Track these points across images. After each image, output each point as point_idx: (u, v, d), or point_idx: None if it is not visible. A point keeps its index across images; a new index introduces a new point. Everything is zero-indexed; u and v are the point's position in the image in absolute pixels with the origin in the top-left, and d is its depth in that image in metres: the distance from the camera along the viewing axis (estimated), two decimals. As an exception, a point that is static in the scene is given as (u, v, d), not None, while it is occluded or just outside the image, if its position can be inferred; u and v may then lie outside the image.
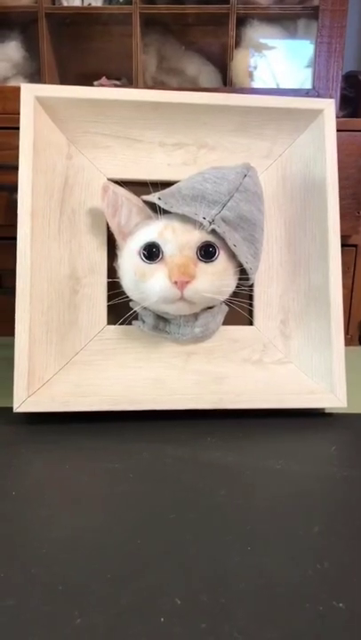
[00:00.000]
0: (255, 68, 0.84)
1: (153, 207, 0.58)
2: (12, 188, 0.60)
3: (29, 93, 0.59)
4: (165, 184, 0.61)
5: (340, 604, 0.34)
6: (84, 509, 0.43)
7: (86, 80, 0.91)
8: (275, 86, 0.86)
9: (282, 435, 0.56)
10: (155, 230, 0.56)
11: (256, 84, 0.85)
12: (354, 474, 0.49)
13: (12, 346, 0.56)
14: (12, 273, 0.57)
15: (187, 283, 0.53)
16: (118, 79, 0.91)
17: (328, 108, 0.62)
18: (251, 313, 0.63)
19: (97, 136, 0.62)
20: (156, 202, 0.57)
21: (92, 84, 0.90)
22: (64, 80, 0.91)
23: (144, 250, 0.56)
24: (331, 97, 0.80)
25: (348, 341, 0.86)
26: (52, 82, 0.87)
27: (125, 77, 0.90)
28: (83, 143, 0.62)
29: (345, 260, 0.83)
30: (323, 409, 0.61)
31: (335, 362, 0.59)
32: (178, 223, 0.56)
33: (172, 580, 0.36)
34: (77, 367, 0.59)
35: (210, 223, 0.55)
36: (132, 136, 0.62)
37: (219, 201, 0.56)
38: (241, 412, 0.59)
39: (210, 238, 0.56)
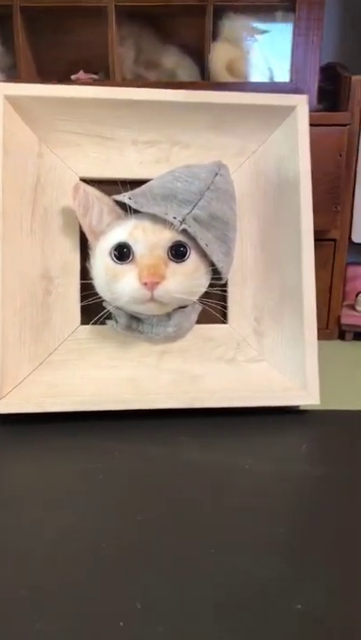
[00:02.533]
0: (233, 60, 0.83)
1: (124, 207, 0.58)
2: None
3: (-2, 92, 0.58)
4: (138, 182, 0.61)
5: (298, 606, 0.35)
6: (52, 511, 0.43)
7: (64, 74, 0.90)
8: (252, 79, 0.85)
9: (254, 433, 0.57)
10: (125, 230, 0.56)
11: (234, 78, 0.84)
12: (321, 472, 0.49)
13: None
14: None
15: (156, 284, 0.53)
16: (96, 73, 0.90)
17: (301, 104, 0.62)
18: (224, 311, 0.64)
19: (68, 134, 0.61)
20: (127, 201, 0.57)
21: (69, 78, 0.89)
22: (41, 74, 0.90)
23: (115, 250, 0.56)
24: (308, 90, 0.80)
25: (328, 335, 0.86)
26: (28, 76, 0.86)
27: (103, 71, 0.89)
28: (54, 142, 0.61)
29: (323, 255, 0.84)
30: (297, 406, 0.61)
31: (308, 360, 0.60)
32: (148, 223, 0.56)
33: (133, 583, 0.36)
34: (51, 367, 0.59)
35: (180, 223, 0.55)
36: (103, 134, 0.62)
37: (190, 200, 0.56)
38: (216, 411, 0.59)
39: (181, 238, 0.56)
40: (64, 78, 0.89)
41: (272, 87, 0.82)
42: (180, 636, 0.32)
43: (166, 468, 0.50)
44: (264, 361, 0.62)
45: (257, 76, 0.86)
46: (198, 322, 0.62)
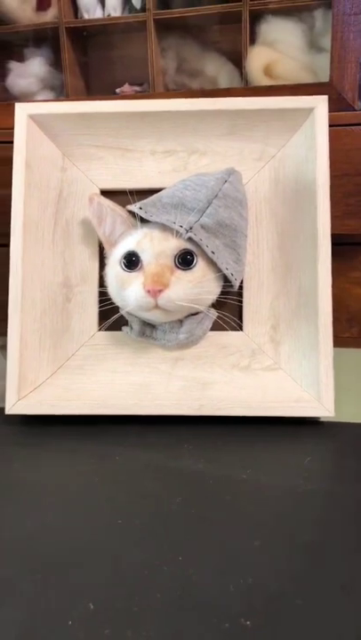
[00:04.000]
0: (270, 63, 0.82)
1: (137, 216, 0.59)
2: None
3: (22, 112, 0.62)
4: (157, 192, 0.62)
5: (248, 622, 0.34)
6: (37, 510, 0.45)
7: (111, 88, 0.93)
8: (291, 82, 0.84)
9: (261, 443, 0.56)
10: (134, 240, 0.58)
11: (272, 81, 0.83)
12: (318, 488, 0.47)
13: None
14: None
15: (160, 291, 0.54)
16: (140, 84, 0.92)
17: (319, 106, 0.60)
18: (240, 321, 0.63)
19: (90, 148, 0.64)
20: (137, 211, 0.58)
21: (114, 92, 0.92)
22: (89, 90, 0.94)
23: (124, 259, 0.57)
24: (348, 88, 0.77)
25: (352, 343, 0.82)
26: (76, 93, 0.90)
27: (147, 82, 0.91)
28: (76, 156, 0.64)
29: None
30: (317, 418, 0.59)
31: (322, 370, 0.57)
32: (157, 232, 0.57)
33: (92, 583, 0.37)
34: (68, 372, 0.62)
35: (187, 231, 0.56)
36: (123, 146, 0.64)
37: (197, 208, 0.57)
38: (226, 419, 0.58)
39: (188, 246, 0.56)
40: (111, 92, 0.93)
41: (311, 88, 0.79)
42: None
43: (161, 475, 0.50)
44: (280, 369, 0.61)
45: (295, 78, 0.84)
46: (213, 329, 0.62)
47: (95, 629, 0.33)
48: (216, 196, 0.57)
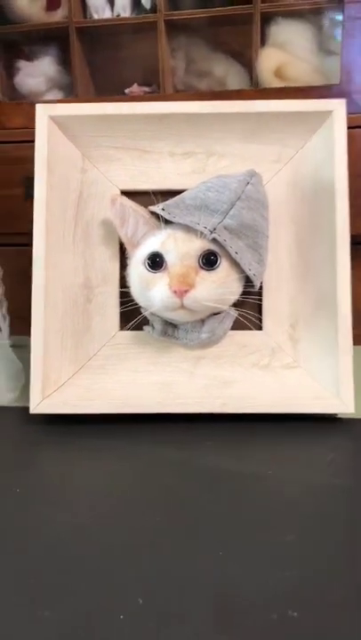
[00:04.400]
0: (281, 65, 0.83)
1: (159, 217, 0.60)
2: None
3: (43, 113, 0.62)
4: (176, 193, 0.63)
5: (295, 614, 0.35)
6: (74, 511, 0.46)
7: (119, 88, 0.94)
8: (302, 83, 0.85)
9: (283, 440, 0.57)
10: (158, 240, 0.58)
11: (283, 82, 0.84)
12: (343, 484, 0.49)
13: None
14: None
15: (186, 291, 0.55)
16: (149, 85, 0.93)
17: (338, 109, 0.61)
18: (260, 318, 0.64)
19: (109, 149, 0.64)
20: (160, 212, 0.59)
21: (123, 92, 0.93)
22: (98, 90, 0.94)
23: (148, 259, 0.58)
24: (358, 91, 0.79)
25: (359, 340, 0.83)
26: (85, 92, 0.91)
27: (155, 83, 0.92)
28: (96, 157, 0.65)
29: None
30: (334, 414, 0.60)
31: (342, 367, 0.59)
32: (181, 233, 0.58)
33: (139, 580, 0.38)
34: (90, 371, 0.62)
35: (211, 232, 0.57)
36: (141, 147, 0.64)
37: (221, 210, 0.57)
38: (248, 417, 0.60)
39: (212, 247, 0.57)
40: (120, 92, 0.93)
41: (321, 90, 0.81)
42: (176, 636, 0.33)
43: (188, 472, 0.51)
44: (299, 367, 0.62)
45: (306, 79, 0.85)
46: (234, 328, 0.63)
47: (147, 623, 0.34)
48: (239, 197, 0.58)
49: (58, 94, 0.92)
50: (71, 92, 0.92)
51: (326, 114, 0.62)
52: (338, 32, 0.79)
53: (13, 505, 0.47)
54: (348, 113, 0.74)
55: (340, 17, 0.79)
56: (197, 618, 0.34)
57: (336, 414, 0.60)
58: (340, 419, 0.60)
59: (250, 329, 0.63)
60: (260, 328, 0.64)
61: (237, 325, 0.63)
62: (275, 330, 0.64)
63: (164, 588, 0.37)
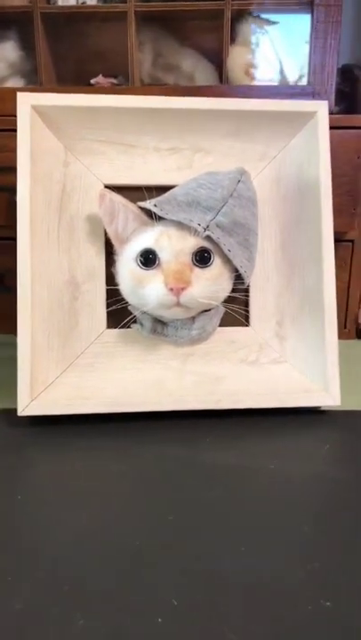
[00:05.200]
0: (250, 64, 0.84)
1: (149, 213, 0.59)
2: (12, 190, 0.61)
3: (26, 102, 0.60)
4: (161, 189, 0.62)
5: (328, 603, 0.36)
6: (87, 511, 0.45)
7: (83, 78, 0.91)
8: (270, 82, 0.86)
9: (277, 434, 0.58)
10: (151, 237, 0.58)
11: (252, 81, 0.85)
12: (343, 473, 0.51)
13: (13, 344, 0.58)
14: (13, 272, 0.59)
15: (182, 289, 0.55)
16: (115, 76, 0.91)
17: (321, 110, 0.63)
18: (247, 314, 0.65)
19: (93, 142, 0.63)
20: (152, 209, 0.58)
21: (88, 82, 0.91)
22: (61, 79, 0.91)
23: (141, 256, 0.57)
24: (326, 92, 0.81)
25: (346, 335, 0.87)
26: (48, 81, 0.87)
27: (122, 75, 0.90)
28: (79, 150, 0.63)
29: (342, 256, 0.85)
30: (318, 407, 0.62)
31: (329, 361, 0.61)
32: (173, 229, 0.58)
33: (168, 581, 0.38)
34: (79, 370, 0.61)
35: (204, 229, 0.57)
36: (127, 142, 0.63)
37: (213, 207, 0.58)
38: (238, 412, 0.60)
39: (205, 244, 0.57)
40: (84, 82, 0.91)
41: (291, 90, 0.82)
42: (217, 634, 0.33)
43: (194, 469, 0.51)
44: (286, 362, 0.64)
45: (275, 78, 0.87)
46: (221, 325, 0.64)
47: (186, 624, 0.34)
48: (231, 195, 0.58)
49: (20, 81, 0.88)
50: (32, 80, 0.88)
51: (310, 114, 0.63)
52: (307, 33, 0.81)
53: (15, 512, 0.45)
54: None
55: (309, 18, 0.80)
56: (235, 614, 0.35)
57: (319, 407, 0.62)
58: (325, 411, 0.62)
59: (238, 325, 0.64)
60: (247, 323, 0.65)
61: (225, 322, 0.64)
62: (262, 326, 0.65)
63: (192, 586, 0.37)
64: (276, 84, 0.86)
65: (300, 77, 0.85)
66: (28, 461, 0.53)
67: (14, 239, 0.59)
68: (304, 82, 0.83)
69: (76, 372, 0.61)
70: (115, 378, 0.61)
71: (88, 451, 0.54)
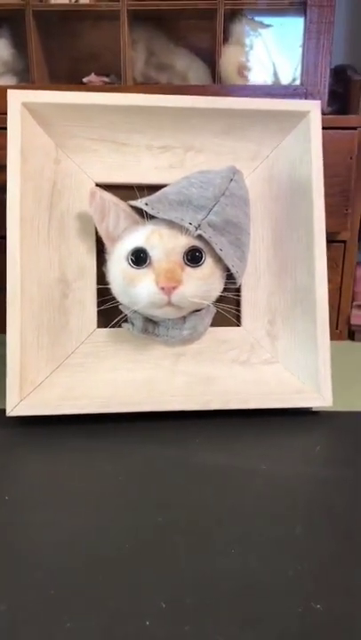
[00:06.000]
0: (243, 64, 0.84)
1: (140, 212, 0.59)
2: (2, 188, 0.60)
3: (16, 99, 0.59)
4: (153, 187, 0.62)
5: (318, 606, 0.36)
6: (77, 513, 0.45)
7: (76, 77, 0.91)
8: (264, 82, 0.86)
9: (268, 434, 0.58)
10: (142, 235, 0.57)
11: (245, 81, 0.84)
12: (334, 474, 0.51)
13: (3, 343, 0.58)
14: (3, 273, 0.58)
15: (174, 288, 0.54)
16: (107, 75, 0.91)
17: (314, 109, 0.63)
18: (238, 314, 0.65)
19: (84, 140, 0.62)
20: (143, 207, 0.58)
21: (81, 81, 0.90)
22: (53, 77, 0.91)
23: (132, 255, 0.57)
24: (319, 93, 0.81)
25: (338, 336, 0.87)
26: (41, 79, 0.87)
27: (114, 73, 0.90)
28: (70, 147, 0.62)
29: (334, 256, 0.85)
30: (309, 408, 0.62)
31: (321, 362, 0.60)
32: (165, 228, 0.57)
33: (157, 583, 0.37)
34: (69, 370, 0.60)
35: (196, 228, 0.56)
36: (119, 140, 0.63)
37: (205, 206, 0.57)
38: (229, 412, 0.60)
39: (196, 243, 0.57)
40: (76, 81, 0.90)
41: (284, 90, 0.82)
42: (205, 636, 0.33)
43: (184, 470, 0.51)
44: (278, 363, 0.63)
45: (268, 79, 0.86)
46: (213, 324, 0.63)
47: (174, 627, 0.34)
48: (223, 194, 0.58)
49: (12, 79, 0.87)
50: (24, 78, 0.88)
51: (303, 114, 0.63)
52: (300, 33, 0.81)
53: (5, 513, 0.44)
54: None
55: (302, 20, 0.80)
56: (224, 617, 0.34)
57: (310, 408, 0.62)
58: (317, 412, 0.62)
59: (229, 325, 0.63)
60: (238, 324, 0.65)
61: (217, 321, 0.63)
62: (253, 326, 0.64)
63: (181, 589, 0.37)
64: (269, 84, 0.86)
65: (294, 79, 0.85)
66: (17, 462, 0.52)
67: (3, 238, 0.58)
68: (297, 83, 0.83)
69: (66, 371, 0.60)
70: (105, 378, 0.60)
71: (78, 451, 0.54)
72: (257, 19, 0.84)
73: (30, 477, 0.50)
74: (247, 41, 0.84)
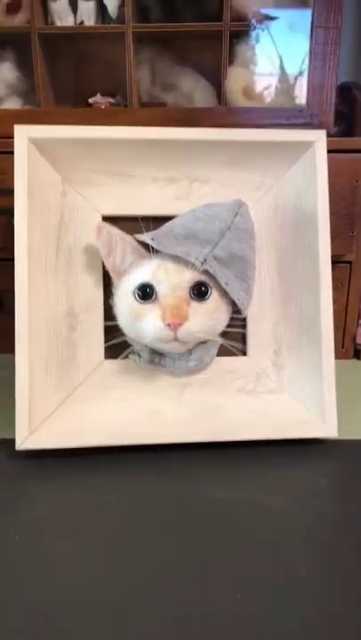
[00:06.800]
0: (249, 85, 0.84)
1: (146, 246, 0.59)
2: (10, 212, 0.61)
3: (23, 135, 0.60)
4: (159, 219, 0.62)
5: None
6: (83, 554, 0.46)
7: (81, 97, 0.91)
8: (269, 104, 0.86)
9: (274, 466, 0.58)
10: (148, 270, 0.58)
11: (250, 102, 0.85)
12: (340, 510, 0.51)
13: (8, 365, 0.59)
14: (10, 293, 0.59)
15: (179, 324, 0.55)
16: (113, 95, 0.91)
17: (319, 140, 0.63)
18: (244, 349, 0.65)
19: (90, 173, 0.63)
20: (150, 242, 0.58)
21: (87, 101, 0.90)
22: (59, 98, 0.91)
23: (138, 290, 0.57)
24: (325, 114, 0.81)
25: (344, 355, 0.88)
26: (46, 101, 0.87)
27: (120, 94, 0.90)
28: (77, 181, 0.63)
29: (339, 276, 0.85)
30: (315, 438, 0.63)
31: (326, 392, 0.61)
32: (171, 263, 0.58)
33: (161, 628, 0.38)
34: (77, 402, 0.61)
35: (201, 263, 0.57)
36: (124, 172, 0.63)
37: (210, 240, 0.58)
38: (235, 442, 0.61)
39: (202, 277, 0.57)
40: (82, 102, 0.91)
41: (289, 112, 0.82)
42: None
43: (190, 506, 0.52)
44: (283, 392, 0.64)
45: (273, 100, 0.86)
46: (219, 354, 0.64)
47: None
48: (229, 228, 0.58)
49: (17, 101, 0.88)
50: (30, 100, 0.88)
51: (308, 144, 0.63)
52: (306, 54, 0.81)
53: (11, 551, 0.45)
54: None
55: (307, 40, 0.80)
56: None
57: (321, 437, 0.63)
58: (323, 440, 0.63)
59: (234, 354, 0.64)
60: (244, 354, 0.65)
61: (223, 351, 0.64)
62: (259, 355, 0.65)
63: (185, 632, 0.37)
64: (275, 106, 0.86)
65: (300, 99, 0.85)
66: (26, 497, 0.53)
67: (11, 260, 0.59)
68: (302, 103, 0.83)
69: (74, 403, 0.61)
70: (113, 409, 0.61)
71: (85, 486, 0.55)
72: (262, 40, 0.84)
73: (40, 513, 0.51)
74: (252, 62, 0.84)
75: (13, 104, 0.88)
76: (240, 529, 0.49)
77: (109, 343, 0.62)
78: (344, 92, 0.89)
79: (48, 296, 0.61)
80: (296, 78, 0.84)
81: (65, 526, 0.49)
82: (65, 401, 0.61)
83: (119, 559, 0.45)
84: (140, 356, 0.61)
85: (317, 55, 0.80)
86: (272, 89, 0.86)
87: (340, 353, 0.87)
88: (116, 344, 0.62)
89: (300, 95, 0.84)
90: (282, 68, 0.85)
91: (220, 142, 0.62)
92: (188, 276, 0.57)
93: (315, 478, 0.56)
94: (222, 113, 0.82)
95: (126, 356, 0.62)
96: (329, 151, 0.64)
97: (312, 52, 0.80)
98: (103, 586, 0.42)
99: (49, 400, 0.60)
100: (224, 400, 0.63)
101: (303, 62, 0.82)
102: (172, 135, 0.62)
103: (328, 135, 0.65)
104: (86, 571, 0.44)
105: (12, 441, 0.58)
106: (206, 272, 0.57)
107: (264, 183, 0.65)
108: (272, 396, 0.64)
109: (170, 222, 0.61)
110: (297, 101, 0.85)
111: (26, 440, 0.58)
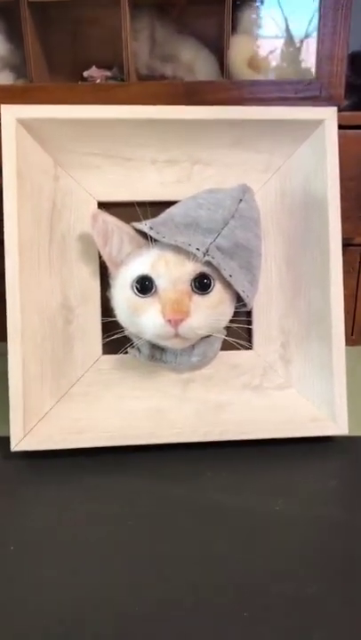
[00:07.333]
0: (254, 55, 0.78)
1: (145, 234, 0.56)
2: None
3: (10, 115, 0.55)
4: (158, 204, 0.58)
5: None
6: (80, 558, 0.44)
7: (76, 70, 0.86)
8: (275, 75, 0.81)
9: (282, 466, 0.56)
10: (147, 262, 0.54)
11: (256, 74, 0.79)
12: (350, 517, 0.49)
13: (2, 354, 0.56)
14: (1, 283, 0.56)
15: (181, 320, 0.51)
16: (109, 68, 0.86)
17: (329, 117, 0.58)
18: (249, 336, 0.62)
19: (85, 155, 0.59)
20: (148, 231, 0.54)
21: (81, 75, 0.85)
22: (53, 71, 0.86)
23: (136, 283, 0.54)
24: (334, 87, 0.76)
25: (353, 341, 0.84)
26: (39, 75, 0.82)
27: (117, 66, 0.85)
28: (70, 164, 0.59)
29: (349, 260, 0.81)
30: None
31: (336, 388, 0.58)
32: (171, 254, 0.54)
33: (163, 633, 0.36)
34: (74, 400, 0.58)
35: (204, 254, 0.53)
36: (121, 154, 0.59)
37: (213, 229, 0.54)
38: (241, 441, 0.58)
39: (204, 269, 0.54)
40: (76, 75, 0.85)
41: (297, 85, 0.77)
42: None
43: (194, 512, 0.49)
44: (291, 388, 0.61)
45: (279, 71, 0.81)
46: (223, 348, 0.60)
47: None
48: (233, 216, 0.54)
49: (9, 75, 0.82)
50: (22, 73, 0.83)
51: (318, 122, 0.59)
52: (315, 22, 0.75)
53: (7, 561, 0.43)
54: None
55: (316, 7, 0.74)
56: None
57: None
58: (332, 437, 0.60)
59: (238, 349, 0.61)
60: (249, 348, 0.62)
61: (227, 345, 0.61)
62: (265, 349, 0.62)
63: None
64: (282, 78, 0.81)
65: (309, 70, 0.79)
66: (23, 502, 0.51)
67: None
68: (311, 74, 0.78)
69: (70, 402, 0.58)
70: (112, 408, 0.58)
71: (85, 489, 0.52)
72: (267, 6, 0.78)
73: (37, 520, 0.48)
74: (258, 30, 0.79)
75: (6, 78, 0.83)
76: (245, 533, 0.46)
77: (109, 339, 0.58)
78: (355, 61, 0.83)
79: (41, 288, 0.58)
80: (302, 42, 0.79)
81: (61, 539, 0.46)
82: (61, 399, 0.58)
83: (118, 563, 0.43)
84: (139, 351, 0.58)
85: (327, 21, 0.74)
86: (277, 53, 0.80)
87: (349, 340, 0.83)
88: (114, 339, 0.58)
89: (308, 62, 0.79)
90: (288, 32, 0.79)
91: (223, 121, 0.58)
92: (190, 268, 0.53)
93: (324, 479, 0.54)
94: (226, 86, 0.77)
95: (125, 351, 0.59)
96: (339, 127, 0.60)
97: (321, 18, 0.74)
98: (102, 588, 0.40)
99: (45, 398, 0.57)
100: (229, 397, 0.60)
101: (310, 24, 0.76)
102: (172, 114, 0.57)
103: (338, 110, 0.60)
104: (84, 574, 0.42)
105: (7, 439, 0.56)
106: (209, 263, 0.54)
107: (271, 164, 0.61)
108: (279, 392, 0.60)
109: (170, 209, 0.57)
110: (305, 70, 0.79)
111: (21, 442, 0.55)
